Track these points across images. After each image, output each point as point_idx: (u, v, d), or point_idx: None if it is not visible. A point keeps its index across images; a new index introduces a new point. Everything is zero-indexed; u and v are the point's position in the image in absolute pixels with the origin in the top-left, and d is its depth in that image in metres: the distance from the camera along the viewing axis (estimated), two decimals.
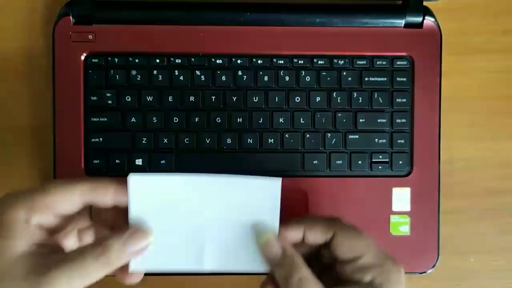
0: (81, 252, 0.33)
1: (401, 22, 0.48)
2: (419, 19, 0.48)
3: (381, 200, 0.48)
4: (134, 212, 0.36)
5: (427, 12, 0.49)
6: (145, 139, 0.47)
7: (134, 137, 0.48)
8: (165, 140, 0.47)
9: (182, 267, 0.38)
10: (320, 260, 0.40)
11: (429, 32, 0.49)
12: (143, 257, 0.36)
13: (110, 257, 0.33)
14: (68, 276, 0.32)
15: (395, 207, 0.48)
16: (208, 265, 0.38)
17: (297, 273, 0.36)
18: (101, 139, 0.47)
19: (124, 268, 0.35)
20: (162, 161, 0.47)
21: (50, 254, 0.33)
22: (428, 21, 0.49)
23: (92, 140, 0.47)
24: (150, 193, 0.36)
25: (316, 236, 0.38)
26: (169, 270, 0.37)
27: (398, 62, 0.49)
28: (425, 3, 0.49)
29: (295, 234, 0.38)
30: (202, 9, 0.48)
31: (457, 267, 0.51)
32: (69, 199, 0.34)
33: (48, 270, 0.32)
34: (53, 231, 0.36)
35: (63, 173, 0.47)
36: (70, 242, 0.38)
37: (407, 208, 0.48)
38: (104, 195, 0.35)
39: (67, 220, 0.36)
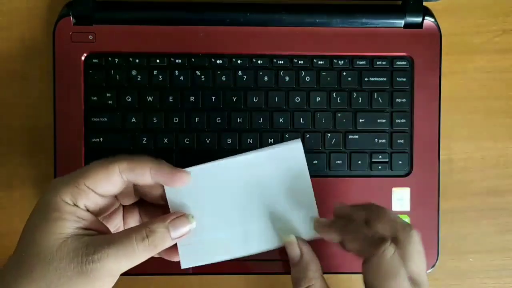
0: (127, 234, 0.34)
1: (401, 22, 0.48)
2: (419, 19, 0.48)
3: (381, 200, 0.48)
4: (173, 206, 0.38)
5: (427, 12, 0.49)
6: (145, 139, 0.47)
7: (134, 137, 0.48)
8: (165, 140, 0.48)
9: (231, 256, 0.39)
10: None
11: (429, 32, 0.49)
12: (192, 252, 0.38)
13: (155, 241, 0.34)
14: (115, 257, 0.33)
15: (394, 207, 0.48)
16: (256, 248, 0.39)
17: (306, 283, 0.37)
18: (101, 139, 0.47)
19: (168, 249, 0.37)
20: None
21: (97, 236, 0.35)
22: (428, 21, 0.49)
23: (92, 140, 0.47)
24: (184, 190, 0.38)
25: (353, 249, 0.37)
26: (219, 260, 0.39)
27: (398, 62, 0.49)
28: (425, 3, 0.49)
29: (333, 238, 0.38)
30: (202, 9, 0.48)
31: (456, 267, 0.51)
32: (110, 180, 0.35)
33: (96, 250, 0.33)
34: (102, 211, 0.37)
35: (63, 173, 0.47)
36: (116, 223, 0.39)
37: (407, 208, 0.48)
38: (142, 174, 0.36)
39: (114, 199, 0.38)
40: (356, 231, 0.36)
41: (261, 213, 0.39)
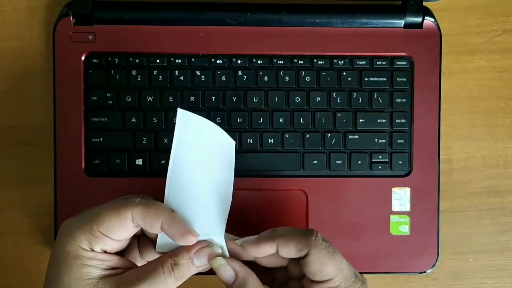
0: (155, 269, 0.35)
1: (401, 22, 0.48)
2: (419, 19, 0.48)
3: (381, 200, 0.48)
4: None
5: (426, 12, 0.49)
6: (145, 139, 0.47)
7: (134, 137, 0.48)
8: (165, 140, 0.48)
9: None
10: (287, 271, 0.40)
11: (429, 32, 0.49)
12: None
13: (180, 273, 0.35)
14: None
15: (394, 207, 0.48)
16: (229, 196, 0.39)
17: None
18: (101, 139, 0.47)
19: None
20: (162, 161, 0.47)
21: (126, 273, 0.35)
22: (428, 21, 0.49)
23: (92, 140, 0.47)
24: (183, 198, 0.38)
25: (290, 252, 0.37)
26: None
27: (398, 62, 0.49)
28: (425, 3, 0.49)
29: (268, 249, 0.37)
30: (202, 9, 0.48)
31: (456, 267, 0.51)
32: (123, 226, 0.35)
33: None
34: (119, 249, 0.37)
35: (63, 173, 0.47)
36: (132, 250, 0.39)
37: (407, 208, 0.48)
38: (153, 226, 0.35)
39: (131, 239, 0.38)
40: (286, 232, 0.37)
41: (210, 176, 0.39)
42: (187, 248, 0.36)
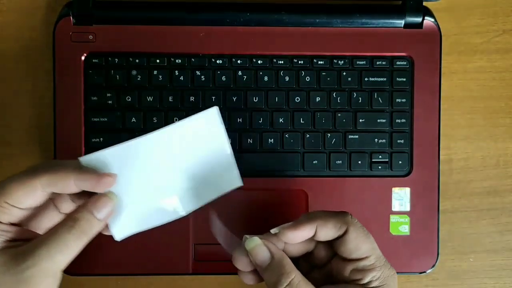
0: (54, 231, 0.34)
1: (401, 22, 0.48)
2: (419, 19, 0.48)
3: (381, 200, 0.48)
4: None
5: (426, 12, 0.49)
6: None
7: (134, 137, 0.47)
8: None
9: (162, 221, 0.39)
10: (312, 256, 0.40)
11: (428, 32, 0.49)
12: (123, 224, 0.37)
13: (81, 228, 0.34)
14: (48, 256, 0.33)
15: (394, 207, 0.48)
16: (185, 210, 0.39)
17: (287, 279, 0.36)
18: (101, 139, 0.47)
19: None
20: None
21: (25, 245, 0.34)
22: (428, 21, 0.49)
23: (92, 140, 0.47)
24: (106, 167, 0.37)
25: (328, 233, 0.37)
26: (151, 227, 0.39)
27: (398, 62, 0.49)
28: (425, 3, 0.49)
29: (307, 232, 0.37)
30: (202, 9, 0.48)
31: (456, 267, 0.51)
32: (31, 196, 0.35)
33: (26, 257, 0.33)
34: (30, 216, 0.36)
35: None
36: (50, 213, 0.38)
37: (407, 208, 0.48)
38: (65, 186, 0.35)
39: (41, 206, 0.37)
40: (322, 213, 0.38)
41: (185, 178, 0.39)
42: (83, 203, 0.35)
